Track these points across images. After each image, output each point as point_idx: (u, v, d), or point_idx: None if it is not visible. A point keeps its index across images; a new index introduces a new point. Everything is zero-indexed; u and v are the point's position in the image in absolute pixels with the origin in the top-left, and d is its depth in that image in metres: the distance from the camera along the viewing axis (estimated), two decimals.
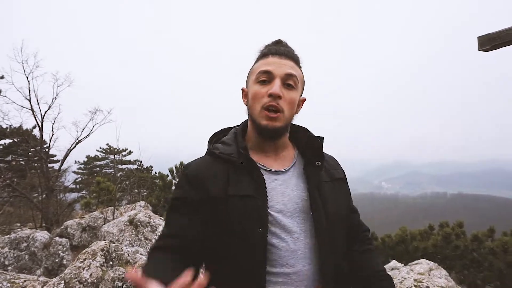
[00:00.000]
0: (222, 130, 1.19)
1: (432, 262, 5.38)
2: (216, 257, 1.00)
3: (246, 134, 1.13)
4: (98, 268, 2.46)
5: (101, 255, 2.55)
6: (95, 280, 2.35)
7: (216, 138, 1.15)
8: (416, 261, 5.29)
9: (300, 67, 1.10)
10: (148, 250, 0.95)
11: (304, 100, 1.12)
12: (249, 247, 0.95)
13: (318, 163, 1.08)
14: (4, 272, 3.18)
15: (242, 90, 1.13)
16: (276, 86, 1.00)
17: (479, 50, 4.19)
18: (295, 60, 1.09)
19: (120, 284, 2.35)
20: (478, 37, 4.18)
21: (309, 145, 1.12)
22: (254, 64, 1.11)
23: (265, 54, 1.08)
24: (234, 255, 0.97)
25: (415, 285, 4.52)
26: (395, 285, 4.61)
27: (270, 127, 1.01)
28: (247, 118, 1.14)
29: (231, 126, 1.20)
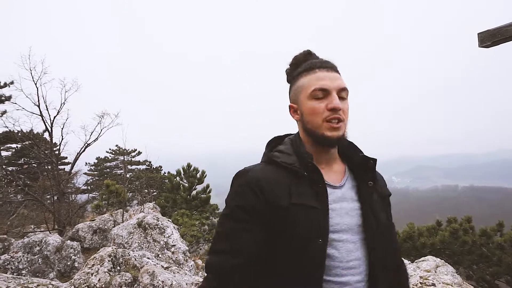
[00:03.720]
0: (275, 138, 1.21)
1: (438, 259, 5.38)
2: (272, 269, 1.01)
3: (305, 146, 1.13)
4: (106, 273, 2.56)
5: (109, 261, 2.65)
6: (103, 285, 2.45)
7: (270, 147, 1.18)
8: (422, 258, 5.29)
9: None
10: (208, 264, 1.01)
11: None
12: (308, 257, 0.98)
13: (370, 183, 1.12)
14: (18, 276, 3.31)
15: (291, 106, 1.15)
16: (336, 100, 1.04)
17: (479, 46, 4.18)
18: (338, 71, 1.12)
19: None
20: (478, 34, 4.17)
21: (362, 165, 1.14)
22: (298, 79, 1.13)
23: (311, 68, 1.10)
24: (292, 266, 0.99)
25: (421, 282, 4.54)
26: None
27: (336, 137, 1.05)
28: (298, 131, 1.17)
29: (282, 135, 1.22)
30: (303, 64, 1.14)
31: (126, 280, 2.48)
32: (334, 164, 1.15)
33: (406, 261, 5.63)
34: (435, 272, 5.11)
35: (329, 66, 1.10)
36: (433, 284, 4.70)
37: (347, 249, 1.03)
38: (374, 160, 1.14)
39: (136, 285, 2.45)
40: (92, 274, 2.53)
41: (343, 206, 1.07)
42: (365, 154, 1.17)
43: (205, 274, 1.03)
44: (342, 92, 1.07)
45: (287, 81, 1.20)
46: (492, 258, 7.33)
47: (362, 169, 1.14)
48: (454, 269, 5.64)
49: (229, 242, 1.00)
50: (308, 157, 1.07)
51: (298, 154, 1.08)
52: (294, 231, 0.98)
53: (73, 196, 12.71)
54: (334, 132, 1.05)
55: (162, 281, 2.44)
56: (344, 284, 1.01)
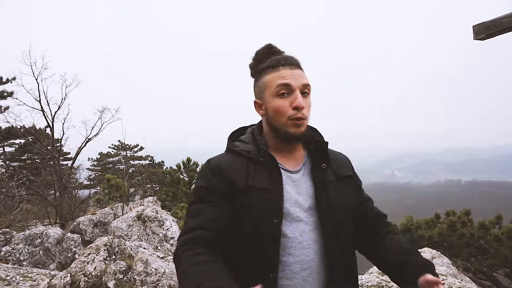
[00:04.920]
0: (240, 129, 1.29)
1: (434, 251, 5.43)
2: (230, 249, 1.08)
3: (263, 134, 1.22)
4: (102, 262, 2.63)
5: (104, 250, 2.72)
6: (98, 273, 2.53)
7: (235, 137, 1.26)
8: (419, 250, 5.34)
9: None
10: (179, 243, 1.06)
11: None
12: (265, 236, 1.05)
13: (323, 166, 1.18)
14: (18, 267, 3.40)
15: (255, 102, 1.20)
16: (300, 99, 1.09)
17: (474, 39, 4.20)
18: (301, 67, 1.16)
19: (121, 276, 2.52)
20: (473, 26, 4.18)
21: (317, 149, 1.21)
22: (263, 75, 1.16)
23: (275, 65, 1.14)
24: (250, 244, 1.06)
25: None
26: None
27: (298, 134, 1.12)
28: (260, 120, 1.25)
29: (247, 125, 1.30)
30: (267, 59, 1.17)
31: (120, 268, 2.55)
32: (295, 151, 1.21)
33: None
34: None
35: (293, 64, 1.14)
36: None
37: (301, 229, 1.09)
38: (326, 143, 1.21)
39: (130, 272, 2.52)
40: (88, 263, 2.60)
41: (299, 190, 1.13)
42: (318, 138, 1.22)
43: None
44: (305, 89, 1.13)
45: (251, 75, 1.23)
46: (489, 250, 7.37)
47: (317, 152, 1.20)
48: (450, 261, 5.70)
49: (199, 219, 1.06)
50: (263, 144, 1.15)
51: (255, 143, 1.17)
52: (251, 212, 1.06)
53: (75, 191, 12.84)
54: (296, 129, 1.11)
55: (155, 269, 2.51)
56: (299, 262, 1.07)
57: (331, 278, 1.09)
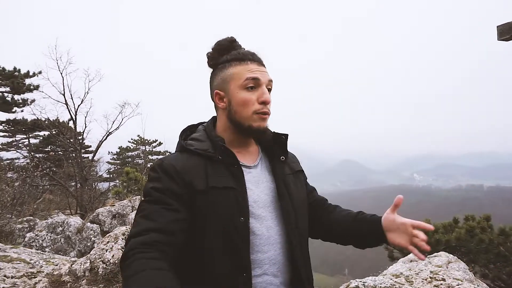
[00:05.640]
0: (189, 127, 1.24)
1: (451, 255, 5.32)
2: (196, 253, 1.01)
3: (217, 131, 1.18)
4: (120, 250, 2.73)
5: (122, 239, 2.83)
6: (116, 261, 2.63)
7: (185, 136, 1.19)
8: (435, 254, 5.25)
9: None
10: (128, 246, 0.90)
11: None
12: (234, 235, 1.01)
13: (282, 158, 1.19)
14: (42, 252, 3.56)
15: (217, 93, 1.15)
16: (267, 94, 1.11)
17: (498, 39, 4.09)
18: (264, 65, 1.17)
19: None
20: (497, 26, 4.08)
21: (275, 142, 1.20)
22: (228, 67, 1.13)
23: (242, 59, 1.13)
24: (218, 246, 1.00)
25: (430, 277, 4.53)
26: (411, 277, 4.63)
27: (262, 128, 1.12)
28: (215, 116, 1.22)
29: (195, 123, 1.26)
30: (232, 52, 1.16)
31: None
32: (249, 147, 1.20)
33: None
34: (447, 267, 5.07)
35: (259, 60, 1.15)
36: (443, 279, 4.67)
37: (267, 225, 1.08)
38: (286, 135, 1.20)
39: None
40: (106, 250, 2.71)
41: (259, 185, 1.13)
42: (275, 131, 1.21)
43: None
44: (269, 85, 1.14)
45: (210, 65, 1.20)
46: (509, 257, 7.16)
47: (275, 145, 1.20)
48: (466, 266, 5.58)
49: (152, 222, 0.95)
50: (220, 141, 1.11)
51: (211, 140, 1.12)
52: (216, 213, 1.01)
53: (95, 183, 13.20)
54: (261, 123, 1.11)
55: None
56: (268, 258, 1.07)
57: (295, 270, 1.10)
